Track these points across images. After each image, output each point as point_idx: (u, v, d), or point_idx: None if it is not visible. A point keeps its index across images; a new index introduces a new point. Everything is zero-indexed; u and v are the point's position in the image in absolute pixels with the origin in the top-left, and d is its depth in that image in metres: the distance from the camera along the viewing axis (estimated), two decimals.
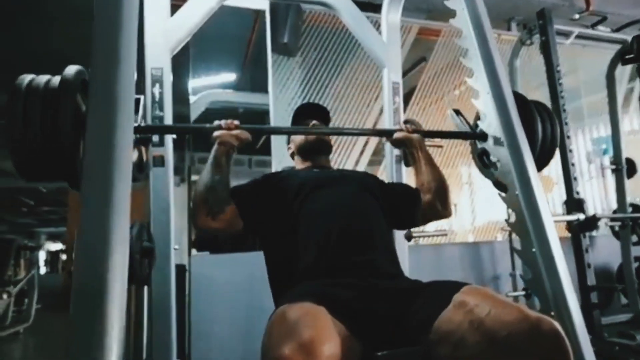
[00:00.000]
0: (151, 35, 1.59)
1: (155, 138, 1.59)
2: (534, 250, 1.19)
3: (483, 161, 1.41)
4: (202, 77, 3.31)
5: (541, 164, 1.43)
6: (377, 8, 1.98)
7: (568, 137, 2.56)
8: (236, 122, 1.27)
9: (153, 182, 1.58)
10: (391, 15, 1.91)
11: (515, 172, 1.26)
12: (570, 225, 2.45)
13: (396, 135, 1.43)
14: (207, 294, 2.18)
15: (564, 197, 2.54)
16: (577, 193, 2.46)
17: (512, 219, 1.29)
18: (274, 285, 1.23)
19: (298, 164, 1.49)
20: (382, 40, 1.89)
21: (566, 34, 2.81)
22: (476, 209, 3.56)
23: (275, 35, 2.47)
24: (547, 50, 2.66)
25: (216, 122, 1.29)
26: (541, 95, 3.58)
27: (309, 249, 1.14)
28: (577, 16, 2.60)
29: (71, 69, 1.11)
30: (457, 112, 1.51)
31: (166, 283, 1.57)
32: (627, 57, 1.23)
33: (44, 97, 1.06)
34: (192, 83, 3.16)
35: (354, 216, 1.21)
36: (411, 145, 1.41)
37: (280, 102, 2.64)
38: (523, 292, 2.73)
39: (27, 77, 1.11)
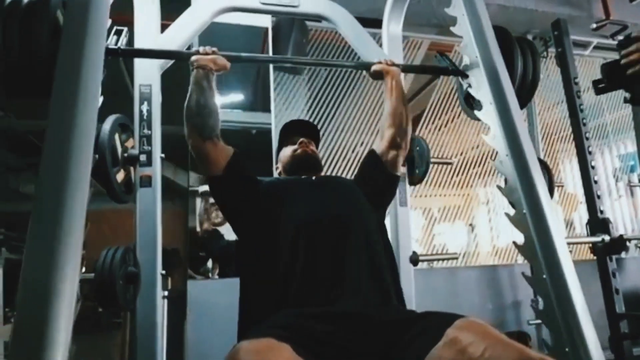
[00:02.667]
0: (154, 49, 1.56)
1: (143, 157, 1.54)
2: (544, 276, 1.05)
3: (469, 103, 1.47)
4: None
5: (522, 99, 1.42)
6: (379, 23, 1.91)
7: (590, 152, 2.40)
8: (214, 49, 1.32)
9: (140, 203, 1.52)
10: (392, 27, 1.84)
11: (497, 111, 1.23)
12: (594, 247, 2.26)
13: (375, 67, 1.46)
14: (205, 319, 2.08)
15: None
16: (601, 212, 2.28)
17: (521, 240, 1.16)
18: (241, 308, 1.12)
19: None
20: (383, 54, 1.80)
21: (584, 45, 2.68)
22: (495, 230, 3.38)
23: (278, 53, 2.42)
24: (563, 62, 2.53)
25: (194, 49, 1.34)
26: (562, 113, 3.43)
27: (278, 270, 1.04)
28: (594, 25, 2.46)
29: None
30: (442, 54, 1.57)
31: (152, 310, 1.48)
32: (599, 86, 1.17)
33: (25, 11, 1.10)
34: None
35: (332, 229, 1.11)
36: (388, 75, 1.43)
37: (285, 120, 2.57)
38: None
39: None
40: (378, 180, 1.33)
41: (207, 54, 1.29)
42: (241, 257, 1.22)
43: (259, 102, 3.16)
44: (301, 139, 1.34)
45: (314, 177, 1.29)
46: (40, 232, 0.81)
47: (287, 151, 1.35)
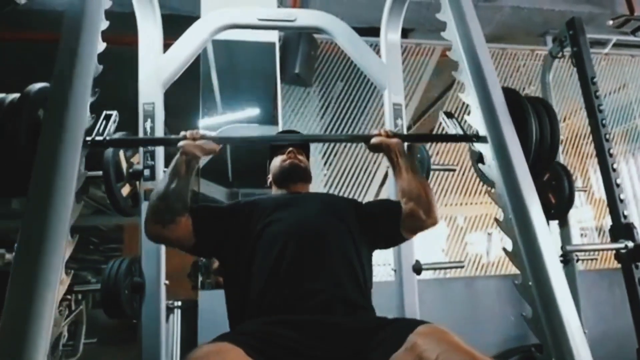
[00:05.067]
0: (144, 71, 1.64)
1: (147, 172, 1.61)
2: (530, 283, 1.02)
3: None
4: (228, 113, 3.41)
5: (538, 168, 1.29)
6: (377, 31, 1.92)
7: (611, 154, 2.29)
8: (202, 133, 1.21)
9: (143, 216, 1.58)
10: (390, 34, 1.84)
11: (500, 172, 1.11)
12: (618, 254, 2.15)
13: (373, 140, 1.30)
14: (216, 327, 2.12)
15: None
16: (625, 217, 2.17)
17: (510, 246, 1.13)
18: (229, 318, 1.14)
19: (274, 192, 1.42)
20: (381, 62, 1.81)
21: (603, 43, 2.58)
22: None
23: (286, 66, 2.47)
24: (579, 62, 2.44)
25: (182, 133, 1.24)
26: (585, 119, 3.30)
27: (257, 282, 1.06)
28: (610, 22, 2.36)
29: (34, 86, 1.15)
30: (449, 115, 1.39)
31: (156, 319, 1.53)
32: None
33: (6, 111, 1.11)
34: (216, 119, 3.25)
35: (309, 243, 1.12)
36: (389, 150, 1.29)
37: None
38: None
39: None
40: (386, 229, 1.29)
41: (194, 139, 1.19)
42: (226, 270, 1.23)
43: (275, 115, 3.23)
44: (290, 149, 1.36)
45: (299, 193, 1.30)
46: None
47: (276, 161, 1.38)
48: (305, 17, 1.74)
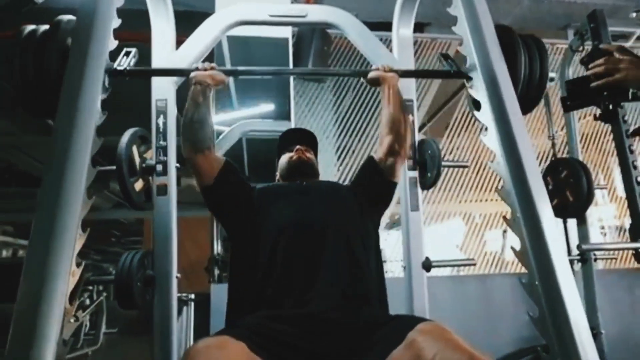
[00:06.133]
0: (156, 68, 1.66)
1: (159, 167, 1.64)
2: (536, 282, 1.00)
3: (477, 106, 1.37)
4: (243, 109, 3.45)
5: (529, 101, 1.38)
6: (389, 26, 1.90)
7: (631, 151, 2.22)
8: (212, 65, 1.37)
9: (156, 210, 1.62)
10: (402, 30, 1.82)
11: (494, 115, 1.18)
12: (638, 254, 2.08)
13: (371, 74, 1.45)
14: None
15: None
16: None
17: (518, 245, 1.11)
18: (226, 309, 1.16)
19: None
20: (393, 57, 1.80)
21: (626, 36, 2.50)
22: None
23: (299, 62, 2.47)
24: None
25: (194, 65, 1.40)
26: None
27: (257, 273, 1.08)
28: (634, 15, 2.29)
29: (64, 17, 1.26)
30: (446, 56, 1.52)
31: (167, 311, 1.56)
32: (567, 103, 1.13)
33: (40, 39, 1.23)
34: (231, 115, 3.29)
35: (307, 235, 1.14)
36: (384, 82, 1.41)
37: (309, 127, 2.63)
38: None
39: (28, 27, 1.27)
40: (375, 186, 1.34)
41: (205, 70, 1.35)
42: (230, 261, 1.26)
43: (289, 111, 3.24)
44: (297, 147, 1.38)
45: (304, 183, 1.32)
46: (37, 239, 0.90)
47: (284, 158, 1.40)
48: (316, 13, 1.74)
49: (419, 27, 2.97)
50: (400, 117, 1.38)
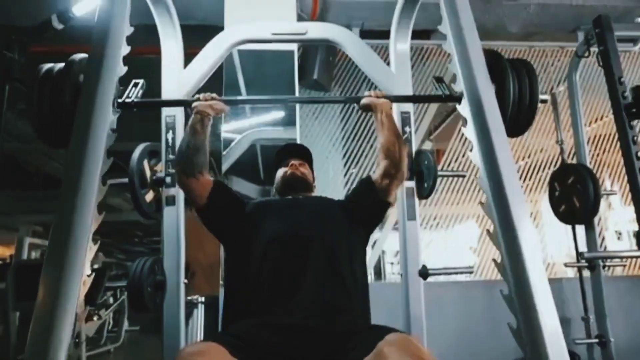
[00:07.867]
0: (166, 85, 1.77)
1: (168, 179, 1.74)
2: (513, 295, 1.05)
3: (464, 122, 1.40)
4: (254, 116, 3.54)
5: (516, 126, 1.39)
6: (386, 34, 1.94)
7: (638, 157, 2.21)
8: (213, 95, 1.41)
9: (165, 219, 1.72)
10: (399, 44, 1.88)
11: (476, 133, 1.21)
12: None
13: (363, 100, 1.46)
14: None
15: None
16: None
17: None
18: (222, 313, 1.24)
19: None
20: (390, 71, 1.85)
21: (634, 40, 2.48)
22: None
23: (304, 72, 2.55)
24: (606, 61, 2.36)
25: (196, 96, 1.44)
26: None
27: (247, 284, 1.15)
28: (639, 20, 2.27)
29: (77, 56, 1.37)
30: (439, 80, 1.52)
31: (176, 314, 1.66)
32: (632, 110, 1.12)
33: (56, 77, 1.34)
34: (242, 122, 3.39)
35: (293, 248, 1.20)
36: (376, 109, 1.43)
37: (314, 135, 2.70)
38: (596, 340, 2.37)
39: (45, 65, 1.39)
40: (369, 205, 1.39)
41: (206, 99, 1.39)
42: (225, 272, 1.35)
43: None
44: (292, 162, 1.45)
45: (299, 196, 1.39)
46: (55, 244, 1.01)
47: (279, 173, 1.47)
48: (315, 30, 1.81)
49: (425, 34, 2.99)
50: (394, 142, 1.39)
